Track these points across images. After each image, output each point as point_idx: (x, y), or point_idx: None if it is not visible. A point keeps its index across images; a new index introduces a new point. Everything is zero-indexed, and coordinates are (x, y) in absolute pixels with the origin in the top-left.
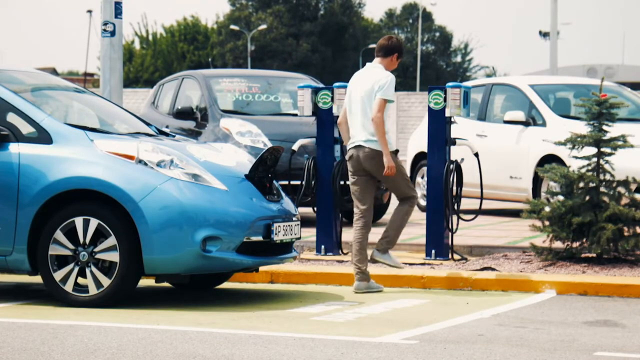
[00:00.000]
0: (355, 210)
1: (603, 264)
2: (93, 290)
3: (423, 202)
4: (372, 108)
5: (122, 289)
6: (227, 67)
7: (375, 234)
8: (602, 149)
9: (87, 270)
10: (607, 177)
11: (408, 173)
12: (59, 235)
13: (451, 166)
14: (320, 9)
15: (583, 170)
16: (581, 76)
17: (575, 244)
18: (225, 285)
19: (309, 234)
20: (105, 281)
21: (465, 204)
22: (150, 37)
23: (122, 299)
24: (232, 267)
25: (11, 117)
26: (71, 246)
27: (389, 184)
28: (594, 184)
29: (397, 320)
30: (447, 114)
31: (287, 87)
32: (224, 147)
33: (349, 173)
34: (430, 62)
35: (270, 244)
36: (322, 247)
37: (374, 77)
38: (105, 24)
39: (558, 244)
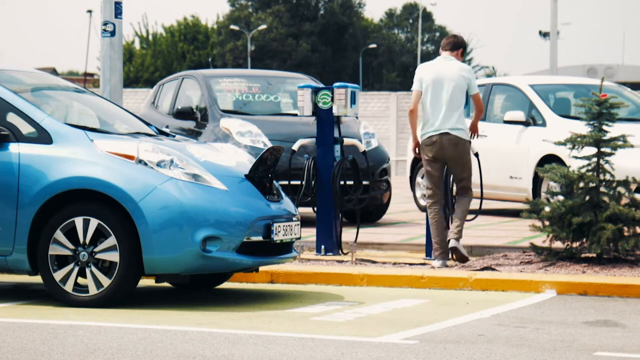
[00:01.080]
0: (430, 193)
1: (603, 264)
2: (93, 290)
3: (423, 202)
4: (475, 104)
5: (122, 289)
6: (227, 67)
7: (372, 234)
8: (602, 149)
9: (87, 270)
10: (607, 177)
11: (408, 173)
12: (59, 235)
13: None
14: (320, 9)
15: (583, 170)
16: (581, 76)
17: (575, 244)
18: (225, 285)
19: (309, 234)
20: (105, 281)
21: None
22: (150, 37)
23: (122, 299)
24: (232, 267)
25: (11, 117)
26: (71, 246)
27: (458, 170)
28: (594, 184)
29: (397, 320)
30: None
31: (287, 87)
32: (224, 147)
33: (428, 158)
34: None
35: (270, 244)
36: (322, 247)
37: (459, 69)
38: (105, 24)
39: (558, 244)
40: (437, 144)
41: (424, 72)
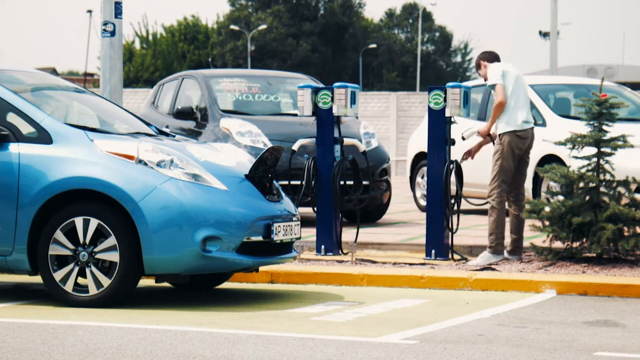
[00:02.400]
0: (505, 188)
1: (603, 264)
2: (93, 290)
3: (423, 202)
4: None
5: (122, 289)
6: (227, 67)
7: (372, 234)
8: (602, 149)
9: (87, 270)
10: (607, 177)
11: (408, 173)
12: (59, 235)
13: (451, 166)
14: (320, 9)
15: (583, 170)
16: (581, 76)
17: (575, 244)
18: (225, 285)
19: (309, 234)
20: (105, 281)
21: (465, 204)
22: (150, 37)
23: (122, 299)
24: (232, 267)
25: (11, 117)
26: (71, 246)
27: (527, 165)
28: (594, 184)
29: (397, 320)
30: (447, 114)
31: (287, 87)
32: (224, 147)
33: (519, 150)
34: (430, 62)
35: (270, 244)
36: (322, 247)
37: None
38: (105, 24)
39: (558, 244)
40: (530, 137)
41: (507, 67)
